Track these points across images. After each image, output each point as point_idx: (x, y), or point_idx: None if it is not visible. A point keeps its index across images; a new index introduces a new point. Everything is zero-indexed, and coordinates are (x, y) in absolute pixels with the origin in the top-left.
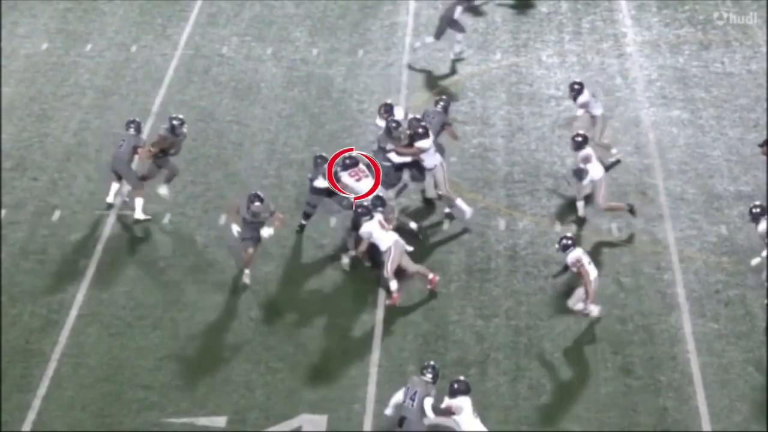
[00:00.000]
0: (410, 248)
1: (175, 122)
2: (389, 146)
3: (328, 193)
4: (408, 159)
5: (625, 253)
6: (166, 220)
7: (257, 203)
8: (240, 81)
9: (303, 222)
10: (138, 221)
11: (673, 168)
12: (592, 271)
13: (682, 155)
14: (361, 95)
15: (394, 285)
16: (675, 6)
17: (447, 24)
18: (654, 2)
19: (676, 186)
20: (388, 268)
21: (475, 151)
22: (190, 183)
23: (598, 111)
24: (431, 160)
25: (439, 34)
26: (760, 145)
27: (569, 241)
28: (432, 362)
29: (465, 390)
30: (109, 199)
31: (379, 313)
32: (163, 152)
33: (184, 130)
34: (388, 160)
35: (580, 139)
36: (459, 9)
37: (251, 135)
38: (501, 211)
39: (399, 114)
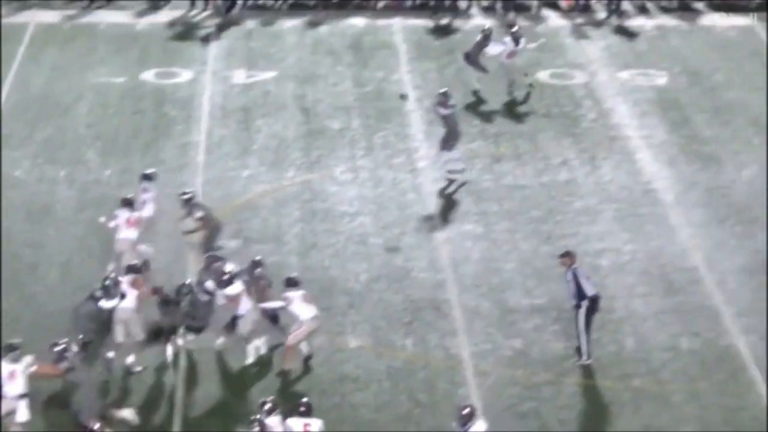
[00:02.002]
0: None
1: None
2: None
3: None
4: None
5: (420, 369)
6: None
7: None
8: (33, 203)
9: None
10: None
11: (467, 282)
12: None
13: (475, 269)
14: (156, 215)
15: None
16: (468, 120)
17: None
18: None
19: (470, 300)
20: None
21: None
22: None
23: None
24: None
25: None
26: (561, 256)
27: None
28: None
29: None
30: None
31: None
32: None
33: None
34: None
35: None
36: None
37: (46, 257)
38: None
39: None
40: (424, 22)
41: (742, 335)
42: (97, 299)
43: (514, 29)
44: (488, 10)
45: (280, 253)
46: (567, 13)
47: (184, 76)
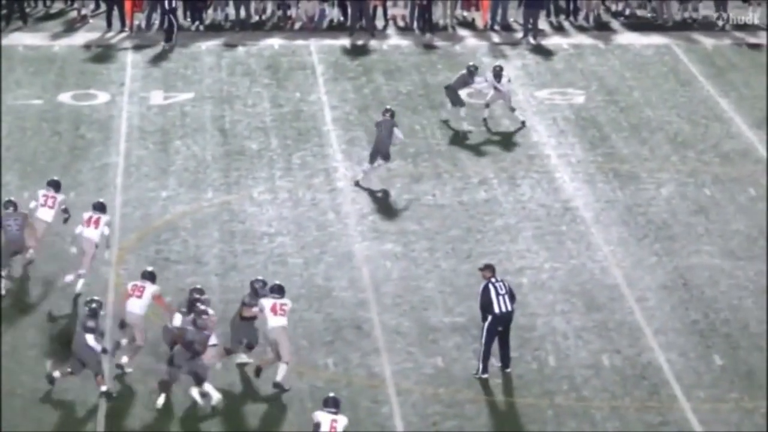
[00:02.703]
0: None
1: None
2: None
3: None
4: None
5: (342, 388)
6: None
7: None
8: None
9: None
10: None
11: (387, 301)
12: None
13: (396, 288)
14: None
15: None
16: None
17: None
18: (365, 136)
19: (391, 319)
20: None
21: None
22: None
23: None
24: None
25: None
26: (481, 268)
27: None
28: None
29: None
30: None
31: None
32: None
33: None
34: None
35: None
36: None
37: None
38: (221, 351)
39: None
40: (340, 43)
41: (663, 351)
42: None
43: (496, 66)
44: (405, 30)
45: (199, 274)
46: (483, 32)
47: (101, 97)
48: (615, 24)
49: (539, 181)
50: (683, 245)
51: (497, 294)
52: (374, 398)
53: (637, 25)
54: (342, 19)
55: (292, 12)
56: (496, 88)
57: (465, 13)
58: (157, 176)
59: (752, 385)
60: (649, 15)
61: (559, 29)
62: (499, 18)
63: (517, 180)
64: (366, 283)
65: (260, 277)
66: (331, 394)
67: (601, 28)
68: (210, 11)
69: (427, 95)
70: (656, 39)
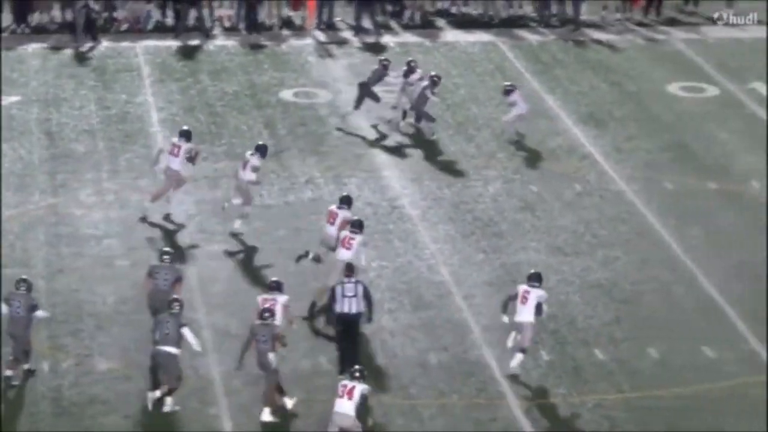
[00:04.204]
0: None
1: None
2: None
3: None
4: None
5: None
6: None
7: None
8: None
9: None
10: None
11: (215, 302)
12: None
13: (223, 289)
14: None
15: None
16: (212, 141)
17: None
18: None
19: (219, 319)
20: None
21: None
22: None
23: None
24: None
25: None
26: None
27: None
28: None
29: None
30: None
31: None
32: None
33: None
34: None
35: None
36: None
37: None
38: (45, 353)
39: None
40: (167, 44)
41: (490, 348)
42: None
43: (410, 61)
44: (231, 30)
45: (27, 277)
46: (309, 32)
47: None
48: (441, 22)
49: (366, 179)
50: (510, 242)
51: (342, 295)
52: (202, 399)
53: (462, 22)
54: (168, 20)
55: (118, 14)
56: (407, 83)
57: (291, 13)
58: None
59: (579, 381)
60: (474, 13)
61: (385, 28)
62: (325, 17)
63: (344, 179)
64: (193, 283)
65: None
66: (358, 366)
67: (427, 26)
68: (36, 14)
69: (254, 95)
70: (482, 36)
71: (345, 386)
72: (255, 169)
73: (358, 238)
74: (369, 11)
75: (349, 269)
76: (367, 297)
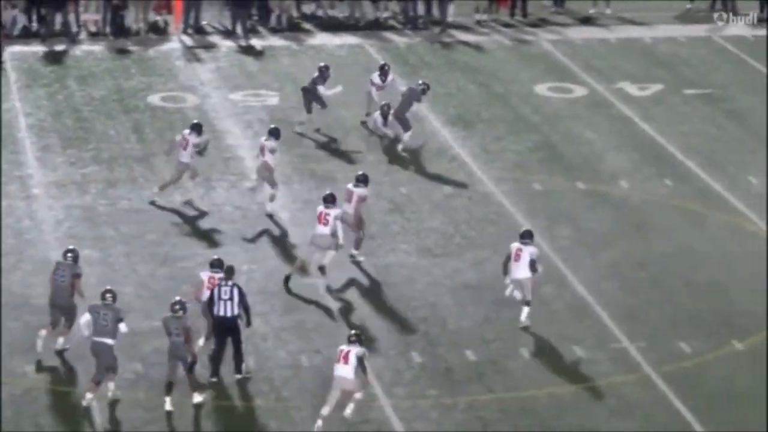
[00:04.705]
0: None
1: None
2: None
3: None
4: None
5: (42, 396)
6: None
7: None
8: None
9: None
10: None
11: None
12: None
13: (94, 294)
14: None
15: None
16: (80, 146)
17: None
18: (59, 142)
19: None
20: None
21: None
22: None
23: None
24: None
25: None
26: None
27: None
28: None
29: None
30: None
31: None
32: None
33: None
34: None
35: None
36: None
37: None
38: None
39: None
40: (33, 50)
41: None
42: None
43: (383, 65)
44: (96, 35)
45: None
46: (175, 36)
47: None
48: (308, 25)
49: (235, 183)
50: (380, 244)
51: (219, 298)
52: (74, 404)
53: (329, 25)
54: (34, 25)
55: None
56: (379, 86)
57: (158, 17)
58: None
59: (450, 382)
60: (340, 16)
61: (252, 32)
62: (192, 21)
63: (213, 183)
64: None
65: None
66: (354, 331)
67: (294, 29)
68: None
69: (121, 100)
70: (349, 39)
71: (341, 351)
72: (273, 151)
73: (333, 213)
74: (242, 15)
75: (228, 272)
76: (243, 301)
